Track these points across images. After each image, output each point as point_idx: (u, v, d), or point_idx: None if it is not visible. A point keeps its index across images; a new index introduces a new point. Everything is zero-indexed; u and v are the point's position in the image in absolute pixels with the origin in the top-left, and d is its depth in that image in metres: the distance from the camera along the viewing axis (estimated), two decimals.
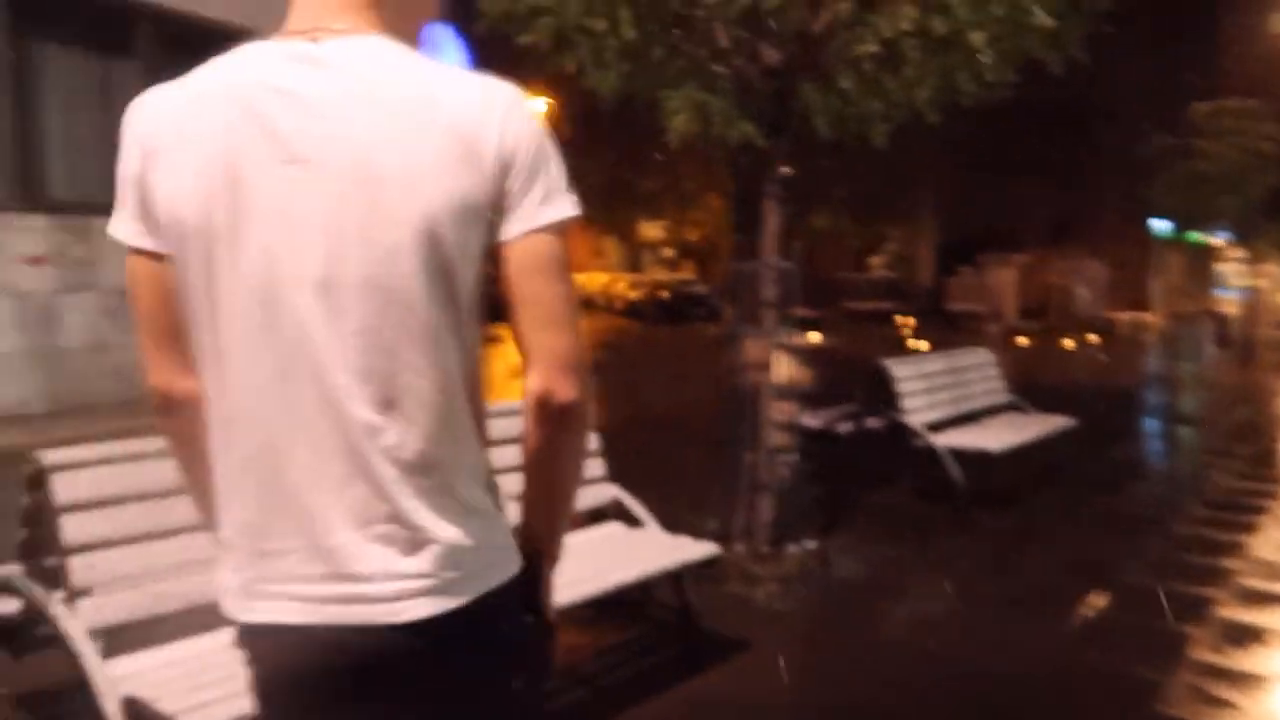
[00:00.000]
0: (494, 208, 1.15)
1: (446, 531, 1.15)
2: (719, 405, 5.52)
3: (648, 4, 4.72)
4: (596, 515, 3.72)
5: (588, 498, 3.66)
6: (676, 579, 3.53)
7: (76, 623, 2.23)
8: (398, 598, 1.13)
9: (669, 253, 38.47)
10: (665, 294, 27.22)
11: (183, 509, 2.51)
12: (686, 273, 33.50)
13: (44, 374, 7.26)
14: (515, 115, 1.16)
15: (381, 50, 1.16)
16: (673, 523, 5.13)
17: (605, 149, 23.87)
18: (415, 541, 1.13)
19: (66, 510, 2.32)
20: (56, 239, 7.30)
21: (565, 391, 1.17)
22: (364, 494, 1.12)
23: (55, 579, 2.32)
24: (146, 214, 1.15)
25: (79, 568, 2.30)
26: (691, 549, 3.42)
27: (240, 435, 1.15)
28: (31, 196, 7.34)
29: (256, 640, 1.18)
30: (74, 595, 2.29)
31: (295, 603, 1.14)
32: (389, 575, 1.13)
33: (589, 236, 46.65)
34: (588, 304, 32.64)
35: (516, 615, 1.25)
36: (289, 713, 1.20)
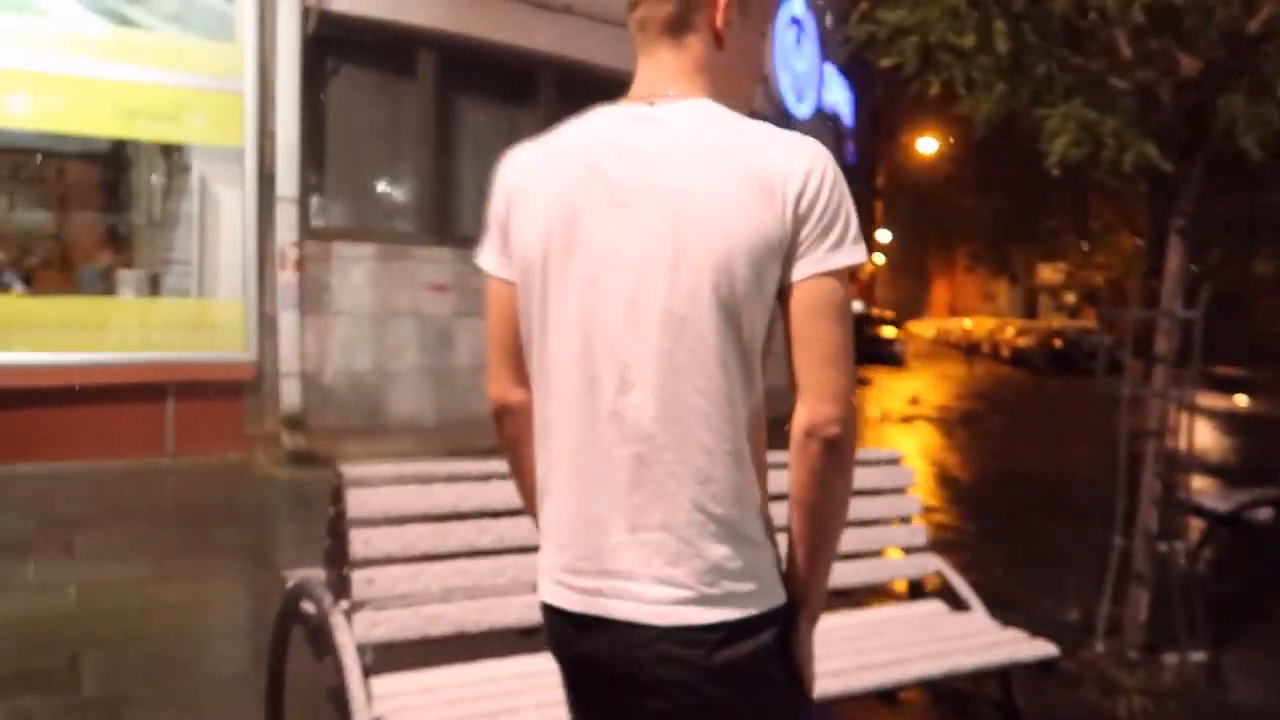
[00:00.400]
0: (787, 251, 1.23)
1: (713, 548, 1.24)
2: (1101, 473, 4.73)
3: (1027, 14, 4.17)
4: (915, 591, 3.26)
5: (908, 568, 3.23)
6: (1004, 675, 2.97)
7: (347, 635, 2.28)
8: (659, 601, 1.24)
9: (1070, 298, 35.24)
10: (1059, 342, 24.84)
11: (461, 533, 2.53)
12: (1088, 320, 30.39)
13: (436, 390, 8.11)
14: (816, 167, 1.24)
15: (704, 110, 1.30)
16: (1019, 604, 4.48)
17: (1002, 185, 22.35)
18: (682, 553, 1.23)
19: (356, 524, 2.40)
20: (458, 269, 8.14)
21: (832, 426, 1.22)
22: (642, 502, 1.24)
23: (344, 590, 2.41)
24: (505, 248, 1.36)
25: (359, 581, 2.37)
26: (1021, 646, 2.86)
27: (553, 441, 1.31)
28: (443, 231, 8.28)
29: (548, 619, 1.35)
30: (355, 608, 2.35)
31: (573, 592, 1.29)
32: (655, 579, 1.24)
33: (978, 279, 44.15)
34: (972, 349, 30.79)
35: (771, 661, 1.28)
36: (569, 688, 1.40)
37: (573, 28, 8.73)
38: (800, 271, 1.24)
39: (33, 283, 6.75)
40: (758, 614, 1.25)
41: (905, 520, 3.28)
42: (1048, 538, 6.12)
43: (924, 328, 49.00)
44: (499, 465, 2.69)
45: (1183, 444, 4.20)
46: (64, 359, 6.56)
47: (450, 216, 8.37)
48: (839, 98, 14.60)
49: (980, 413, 14.76)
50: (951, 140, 25.63)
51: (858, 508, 3.20)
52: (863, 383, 18.73)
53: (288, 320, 7.29)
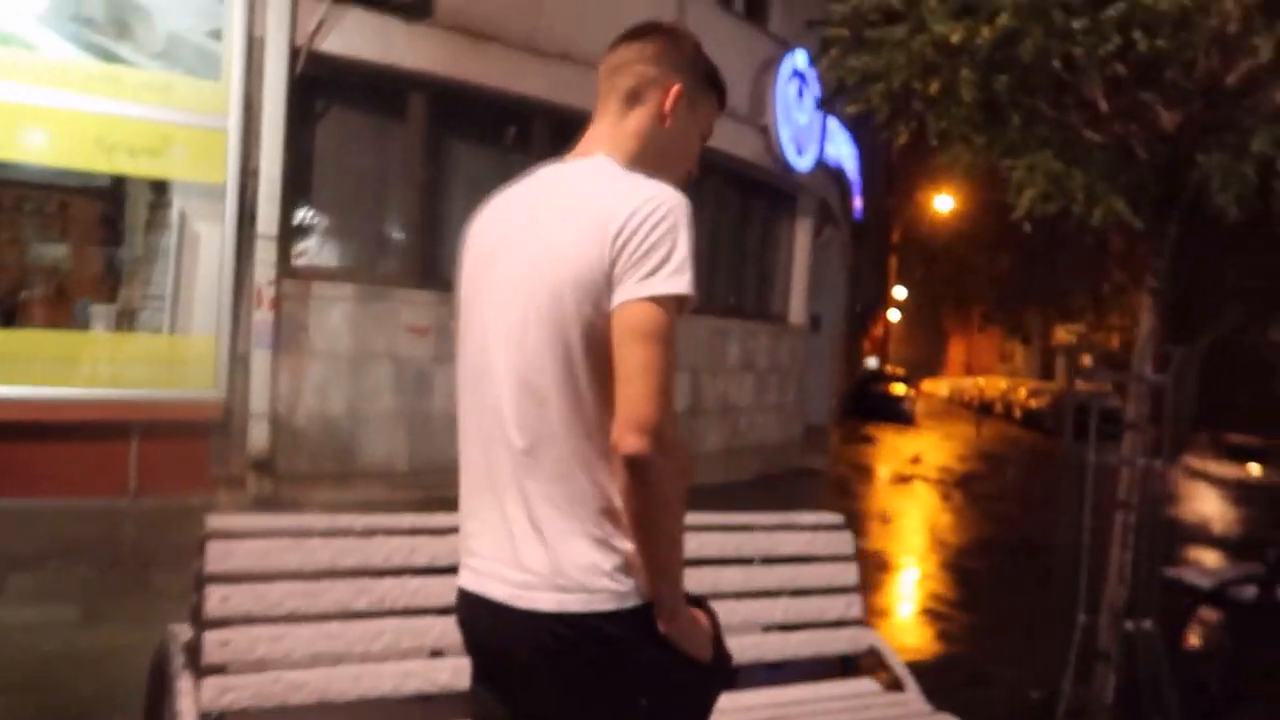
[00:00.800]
0: (608, 281, 1.38)
1: (563, 544, 1.41)
2: (1095, 541, 4.46)
3: (995, 60, 4.02)
4: (849, 666, 3.03)
5: (840, 642, 3.00)
6: None
7: (189, 701, 2.09)
8: (519, 586, 1.43)
9: (1086, 360, 34.84)
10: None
11: (336, 593, 2.34)
12: (1104, 383, 29.90)
13: (410, 435, 7.93)
14: (643, 206, 1.39)
15: (595, 165, 1.53)
16: (990, 678, 4.23)
17: (1014, 243, 22.17)
18: (538, 546, 1.42)
19: (214, 580, 2.22)
20: (439, 312, 8.02)
21: (628, 445, 1.33)
22: (511, 500, 1.45)
23: (199, 650, 2.22)
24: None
25: (212, 643, 2.18)
26: None
27: (462, 446, 1.56)
28: (427, 274, 8.15)
29: (458, 596, 1.57)
30: (206, 671, 2.17)
31: (471, 573, 1.53)
32: (520, 567, 1.44)
33: (994, 338, 43.81)
34: (984, 409, 30.39)
35: (628, 653, 1.41)
36: (472, 662, 1.59)
37: (568, 74, 8.66)
38: (616, 299, 1.37)
39: (2, 315, 6.66)
40: (608, 610, 1.39)
41: (842, 591, 3.05)
42: (1030, 608, 5.84)
43: (939, 386, 48.57)
44: (387, 520, 2.52)
45: (1156, 514, 3.97)
46: (30, 394, 6.44)
47: (434, 259, 8.24)
48: (843, 152, 14.53)
49: (982, 474, 14.43)
50: (964, 197, 25.53)
51: (789, 575, 2.99)
52: (867, 441, 18.41)
53: (260, 360, 7.17)
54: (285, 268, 7.37)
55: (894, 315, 47.48)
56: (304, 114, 7.59)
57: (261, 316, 7.17)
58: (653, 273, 1.36)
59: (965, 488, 12.44)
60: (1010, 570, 7.48)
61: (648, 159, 1.54)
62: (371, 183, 8.21)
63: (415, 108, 8.15)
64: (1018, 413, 28.19)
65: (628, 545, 1.41)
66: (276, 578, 2.29)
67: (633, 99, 1.57)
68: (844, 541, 3.13)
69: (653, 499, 1.35)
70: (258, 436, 7.13)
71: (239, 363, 7.11)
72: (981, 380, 37.04)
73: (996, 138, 4.33)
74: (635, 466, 1.33)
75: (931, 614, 5.98)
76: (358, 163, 8.11)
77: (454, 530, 2.54)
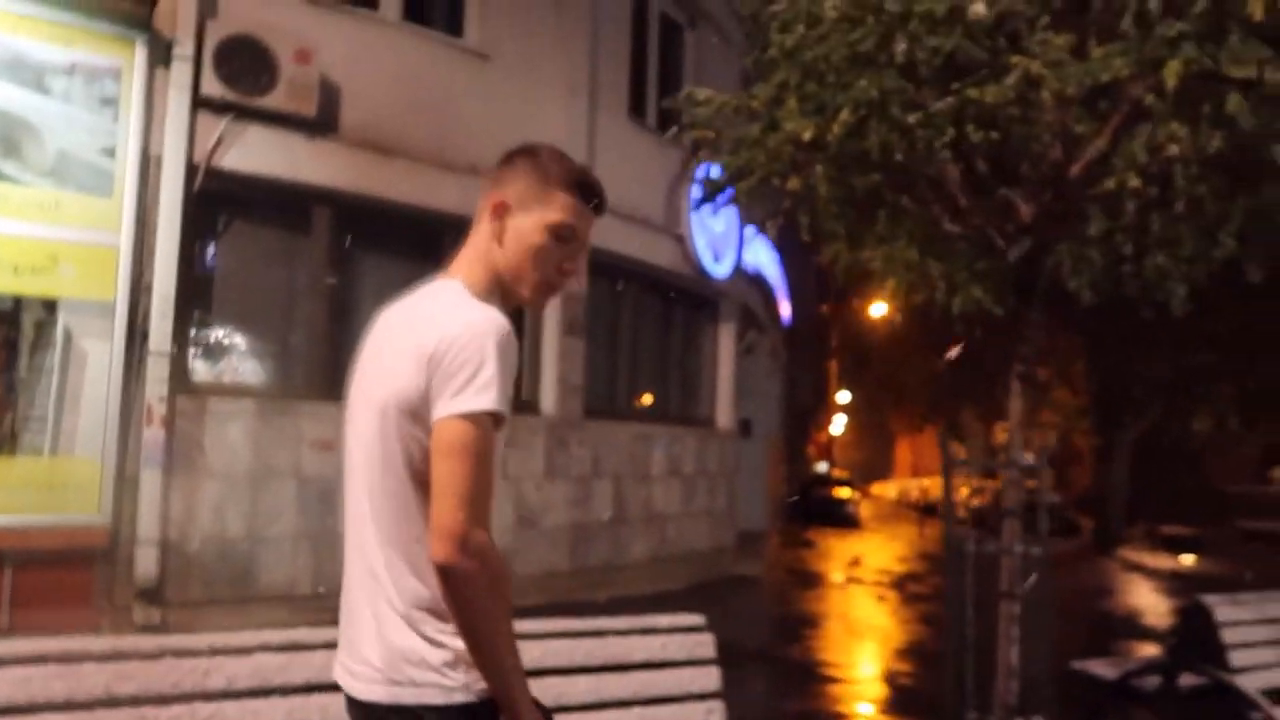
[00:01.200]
0: (425, 401, 1.53)
1: (396, 639, 1.54)
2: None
3: (851, 156, 4.10)
4: None
5: None
6: None
7: None
8: (360, 678, 1.58)
9: (1029, 456, 35.23)
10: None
11: None
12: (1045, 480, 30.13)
13: (315, 556, 7.61)
14: (456, 331, 1.52)
15: (440, 288, 1.68)
16: None
17: (942, 344, 22.59)
18: (377, 641, 1.56)
19: None
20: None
21: (437, 553, 1.45)
22: (364, 598, 1.59)
23: None
24: None
25: None
26: None
27: (346, 546, 1.67)
28: (333, 387, 7.97)
29: None
30: None
31: (338, 663, 1.67)
32: (363, 661, 1.58)
33: (932, 439, 44.18)
34: (930, 510, 30.41)
35: None
36: None
37: (478, 186, 8.72)
38: (433, 416, 1.51)
39: None
40: (436, 704, 1.50)
41: (701, 697, 2.89)
42: (943, 708, 5.65)
43: (887, 489, 48.69)
44: (181, 640, 2.33)
45: (1044, 605, 3.88)
46: None
47: (341, 372, 8.01)
48: (763, 258, 14.80)
49: (920, 575, 14.31)
50: (894, 300, 26.16)
51: (643, 682, 2.83)
52: (806, 545, 18.23)
53: (150, 480, 6.87)
54: (180, 384, 7.15)
55: (840, 418, 47.85)
56: (203, 229, 7.51)
57: (152, 435, 6.91)
58: (460, 391, 1.48)
59: (902, 589, 12.28)
60: (931, 670, 7.29)
61: (492, 271, 1.70)
62: (275, 296, 8.09)
63: (320, 221, 8.12)
64: (961, 511, 28.26)
65: (459, 643, 1.51)
66: (41, 709, 2.08)
67: (479, 217, 1.76)
68: (703, 644, 2.98)
69: (467, 602, 1.46)
70: (146, 562, 6.78)
71: (127, 485, 6.81)
72: (926, 481, 37.24)
73: (864, 231, 4.39)
74: (446, 572, 1.45)
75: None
76: (260, 277, 8.01)
77: (259, 649, 2.37)
